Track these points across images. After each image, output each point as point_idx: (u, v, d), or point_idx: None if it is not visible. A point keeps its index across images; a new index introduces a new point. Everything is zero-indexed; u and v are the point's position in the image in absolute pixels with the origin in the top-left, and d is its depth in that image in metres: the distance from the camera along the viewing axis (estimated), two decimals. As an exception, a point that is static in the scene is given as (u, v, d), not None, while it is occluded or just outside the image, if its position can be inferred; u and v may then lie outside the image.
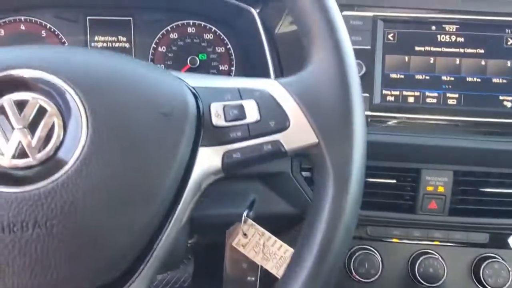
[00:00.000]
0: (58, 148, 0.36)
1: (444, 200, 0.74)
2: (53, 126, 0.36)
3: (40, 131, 0.36)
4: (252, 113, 0.41)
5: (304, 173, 0.74)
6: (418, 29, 0.72)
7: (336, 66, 0.40)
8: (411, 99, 0.73)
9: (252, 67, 0.82)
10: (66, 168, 0.35)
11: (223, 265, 0.88)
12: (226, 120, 0.41)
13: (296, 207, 0.77)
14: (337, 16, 0.41)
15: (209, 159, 0.40)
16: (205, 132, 0.41)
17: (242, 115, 0.41)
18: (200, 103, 0.41)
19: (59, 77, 0.36)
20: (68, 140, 0.36)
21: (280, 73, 0.74)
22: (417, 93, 0.73)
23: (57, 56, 0.38)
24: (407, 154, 0.73)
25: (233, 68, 0.82)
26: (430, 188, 0.74)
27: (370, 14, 0.72)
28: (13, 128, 0.36)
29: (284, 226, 0.81)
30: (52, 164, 0.35)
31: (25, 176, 0.35)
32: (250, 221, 0.62)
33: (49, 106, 0.36)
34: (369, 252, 0.76)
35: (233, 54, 0.82)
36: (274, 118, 0.41)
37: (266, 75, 0.75)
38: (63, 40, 0.77)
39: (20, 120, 0.36)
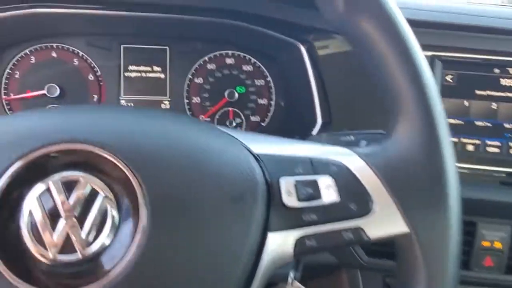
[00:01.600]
0: (110, 243, 0.30)
1: (501, 257, 0.68)
2: (105, 213, 0.31)
3: (91, 221, 0.30)
4: (329, 192, 0.35)
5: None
6: (480, 71, 0.67)
7: (431, 144, 0.35)
8: (470, 147, 0.67)
9: (293, 102, 0.76)
10: (117, 270, 0.29)
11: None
12: (299, 200, 0.35)
13: (336, 256, 0.71)
14: (435, 92, 0.35)
15: (279, 246, 0.35)
16: (275, 212, 0.35)
17: (317, 194, 0.35)
18: (268, 177, 0.36)
19: (115, 155, 0.31)
20: (122, 233, 0.30)
21: (328, 112, 0.69)
22: (477, 141, 0.67)
23: (110, 125, 0.32)
24: (463, 207, 0.67)
25: (272, 102, 0.77)
26: (486, 243, 0.68)
27: (428, 53, 0.67)
28: (59, 216, 0.30)
29: (321, 274, 0.75)
30: (102, 262, 0.30)
31: (69, 275, 0.30)
32: (296, 283, 0.56)
33: (101, 189, 0.31)
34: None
35: (273, 87, 0.77)
36: (355, 199, 0.35)
37: (310, 112, 0.70)
38: (95, 69, 0.72)
39: (68, 206, 0.30)
